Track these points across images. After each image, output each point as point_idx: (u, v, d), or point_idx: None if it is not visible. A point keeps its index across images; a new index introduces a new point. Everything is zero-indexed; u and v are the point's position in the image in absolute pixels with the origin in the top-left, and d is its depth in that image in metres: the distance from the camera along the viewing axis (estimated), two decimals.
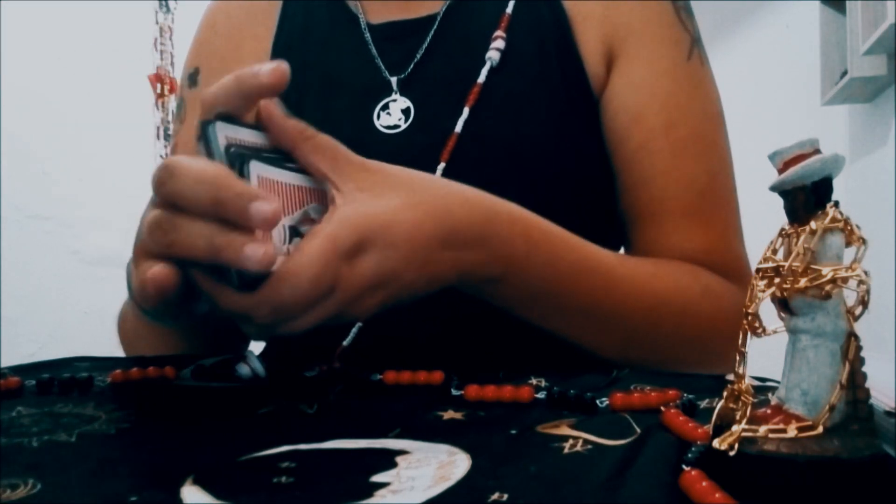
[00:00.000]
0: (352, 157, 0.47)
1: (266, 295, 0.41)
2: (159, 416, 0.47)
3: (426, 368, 0.52)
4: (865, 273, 0.30)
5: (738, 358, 0.32)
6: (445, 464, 0.34)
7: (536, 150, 0.67)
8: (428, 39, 0.71)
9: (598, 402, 0.43)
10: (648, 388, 0.47)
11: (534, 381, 0.49)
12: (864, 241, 0.31)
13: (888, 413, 0.35)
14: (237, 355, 0.56)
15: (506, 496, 0.30)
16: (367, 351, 0.63)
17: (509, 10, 0.70)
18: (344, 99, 0.71)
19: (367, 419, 0.44)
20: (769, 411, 0.31)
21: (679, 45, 0.69)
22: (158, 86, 2.59)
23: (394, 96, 0.70)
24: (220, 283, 0.42)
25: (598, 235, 0.61)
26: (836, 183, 0.31)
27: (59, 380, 0.52)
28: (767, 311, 0.31)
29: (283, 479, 0.33)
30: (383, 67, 0.71)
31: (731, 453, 0.30)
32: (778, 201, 0.32)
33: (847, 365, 0.30)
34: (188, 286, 0.44)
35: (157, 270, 0.41)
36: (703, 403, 0.43)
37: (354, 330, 0.64)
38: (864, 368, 0.31)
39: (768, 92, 2.50)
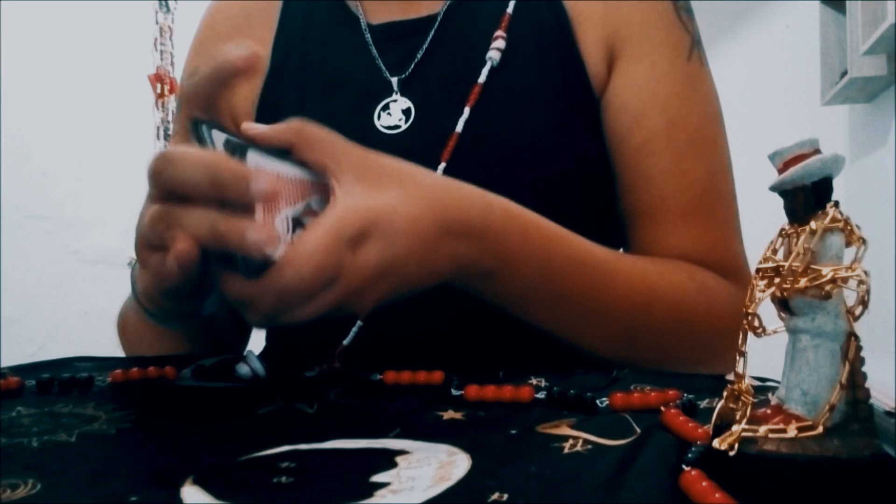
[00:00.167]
0: (350, 147, 0.47)
1: (270, 281, 0.41)
2: (159, 416, 0.47)
3: (426, 368, 0.52)
4: (865, 273, 0.30)
5: (738, 358, 0.32)
6: (445, 464, 0.34)
7: (537, 150, 0.67)
8: (428, 39, 0.71)
9: (598, 402, 0.43)
10: (648, 388, 0.47)
11: (534, 381, 0.49)
12: (864, 241, 0.31)
13: (888, 413, 0.35)
14: (237, 355, 0.56)
15: (506, 496, 0.30)
16: (367, 351, 0.63)
17: (510, 9, 0.70)
18: (344, 99, 0.71)
19: (367, 419, 0.44)
20: (769, 411, 0.31)
21: (679, 45, 0.69)
22: (158, 86, 2.58)
23: (394, 97, 0.70)
24: (226, 271, 0.42)
25: (599, 235, 0.61)
26: (836, 183, 0.31)
27: (59, 380, 0.52)
28: (767, 311, 0.31)
29: (283, 479, 0.33)
30: (384, 68, 0.71)
31: (731, 453, 0.30)
32: (778, 201, 0.32)
33: (847, 365, 0.30)
34: (196, 286, 0.44)
35: (182, 246, 0.41)
36: (703, 403, 0.43)
37: (354, 329, 0.64)
38: (864, 368, 0.31)
39: (768, 92, 2.50)
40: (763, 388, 0.45)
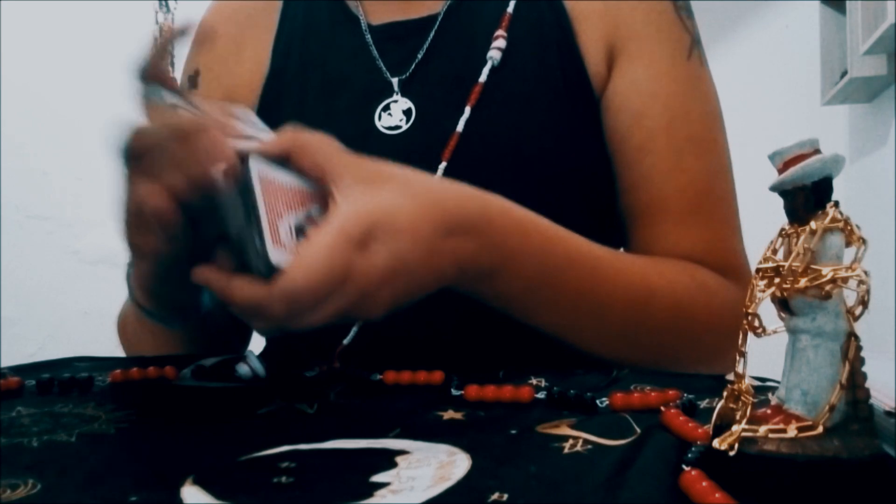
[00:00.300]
0: (345, 153, 0.47)
1: (280, 286, 0.42)
2: (159, 416, 0.47)
3: (426, 368, 0.52)
4: (865, 273, 0.30)
5: (738, 358, 0.32)
6: (445, 464, 0.34)
7: (538, 150, 0.67)
8: (429, 40, 0.71)
9: (598, 402, 0.43)
10: (648, 388, 0.47)
11: (534, 381, 0.49)
12: (864, 241, 0.31)
13: (888, 413, 0.35)
14: (237, 355, 0.56)
15: (506, 496, 0.30)
16: (367, 351, 0.63)
17: (510, 9, 0.70)
18: (345, 100, 0.71)
19: (367, 419, 0.44)
20: (769, 411, 0.31)
21: (679, 45, 0.69)
22: None
23: (395, 97, 0.70)
24: (234, 276, 0.43)
25: (599, 234, 0.61)
26: (836, 183, 0.31)
27: (59, 380, 0.52)
28: (767, 311, 0.31)
29: (283, 479, 0.33)
30: (384, 68, 0.71)
31: (731, 453, 0.30)
32: (778, 201, 0.32)
33: (847, 365, 0.30)
34: (199, 288, 0.44)
35: (158, 200, 0.43)
36: (703, 403, 0.43)
37: (354, 329, 0.64)
38: (864, 368, 0.31)
39: (768, 92, 2.50)
40: (763, 388, 0.45)
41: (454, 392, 0.48)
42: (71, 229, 2.60)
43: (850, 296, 0.31)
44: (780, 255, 0.32)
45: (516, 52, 0.69)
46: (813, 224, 0.31)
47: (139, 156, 0.44)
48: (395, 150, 0.67)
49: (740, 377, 0.31)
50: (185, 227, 0.45)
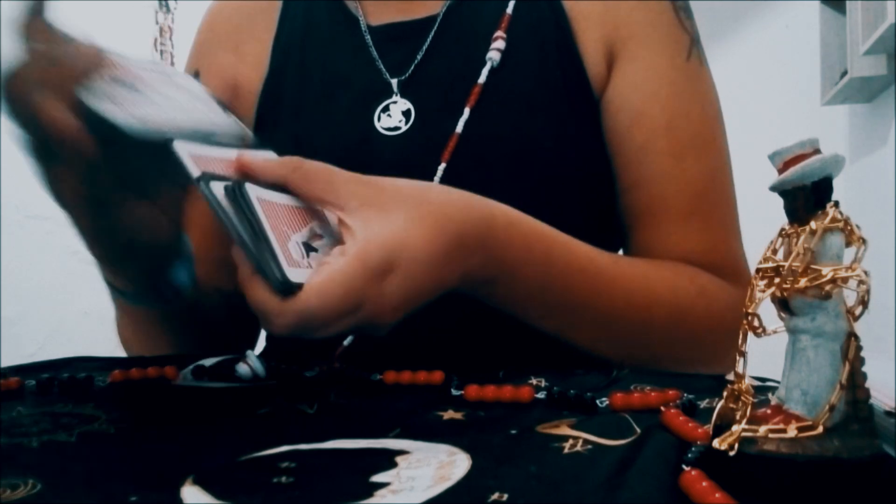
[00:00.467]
0: (346, 175, 0.47)
1: (294, 307, 0.42)
2: (159, 416, 0.47)
3: (426, 368, 0.52)
4: (865, 273, 0.30)
5: (738, 358, 0.32)
6: (445, 464, 0.34)
7: (537, 151, 0.67)
8: (428, 40, 0.71)
9: (598, 402, 0.43)
10: (648, 388, 0.47)
11: (534, 381, 0.49)
12: (864, 241, 0.31)
13: (888, 413, 0.35)
14: (237, 355, 0.56)
15: (506, 496, 0.30)
16: (367, 351, 0.63)
17: (509, 10, 0.70)
18: (344, 101, 0.71)
19: (367, 419, 0.44)
20: (769, 411, 0.31)
21: (679, 45, 0.69)
22: None
23: (394, 98, 0.70)
24: (255, 276, 0.43)
25: (599, 236, 0.61)
26: (836, 183, 0.31)
27: (59, 380, 0.51)
28: (767, 311, 0.31)
29: (283, 479, 0.33)
30: (384, 69, 0.71)
31: (731, 453, 0.30)
32: (778, 201, 0.32)
33: (847, 365, 0.30)
34: (164, 257, 0.44)
35: (51, 107, 0.44)
36: (703, 403, 0.43)
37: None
38: (864, 368, 0.31)
39: (768, 92, 2.50)
40: (763, 388, 0.45)
41: (454, 392, 0.48)
42: (71, 229, 2.60)
43: (850, 296, 0.31)
44: (780, 255, 0.32)
45: (516, 53, 0.69)
46: (813, 224, 0.31)
47: (21, 87, 0.44)
48: (395, 152, 0.67)
49: (740, 377, 0.31)
50: (100, 160, 0.45)
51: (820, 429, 0.30)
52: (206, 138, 0.48)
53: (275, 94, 0.74)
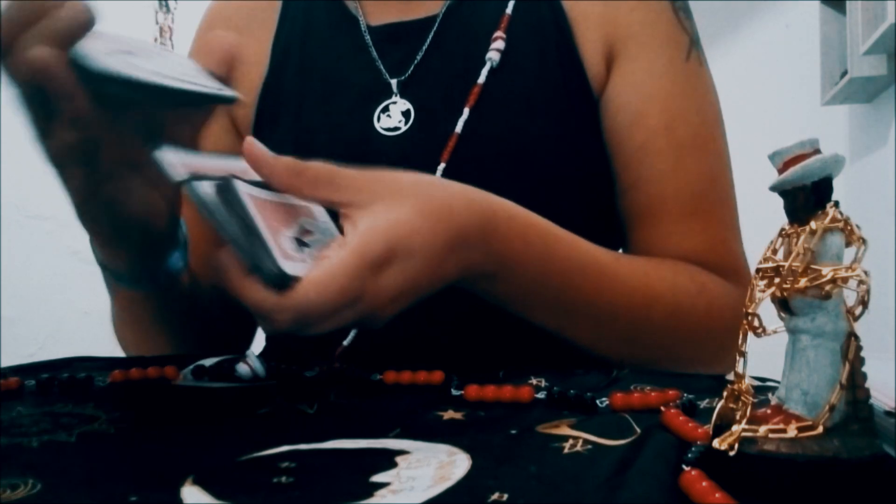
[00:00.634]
0: (349, 172, 0.47)
1: (292, 301, 0.42)
2: (159, 416, 0.47)
3: (426, 368, 0.52)
4: (865, 273, 0.30)
5: (738, 358, 0.32)
6: (445, 464, 0.34)
7: (537, 151, 0.67)
8: (428, 41, 0.71)
9: (598, 402, 0.43)
10: (648, 388, 0.47)
11: (534, 381, 0.49)
12: (864, 241, 0.31)
13: (888, 413, 0.35)
14: (237, 355, 0.56)
15: (506, 496, 0.30)
16: (367, 351, 0.63)
17: (509, 10, 0.70)
18: (344, 101, 0.71)
19: (367, 419, 0.44)
20: (769, 411, 0.31)
21: (678, 46, 0.69)
22: None
23: (394, 98, 0.70)
24: (249, 276, 0.43)
25: (598, 235, 0.61)
26: (836, 183, 0.31)
27: (59, 380, 0.51)
28: (767, 311, 0.31)
29: (283, 479, 0.33)
30: (383, 69, 0.71)
31: (731, 453, 0.30)
32: (778, 201, 0.32)
33: (847, 365, 0.30)
34: (159, 240, 0.45)
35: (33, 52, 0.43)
36: (703, 403, 0.43)
37: (354, 330, 0.64)
38: (864, 368, 0.31)
39: (768, 92, 2.50)
40: (763, 388, 0.45)
41: (454, 392, 0.48)
42: (71, 229, 2.58)
43: (850, 296, 0.31)
44: (780, 255, 0.32)
45: (515, 54, 0.69)
46: (813, 224, 0.31)
47: (13, 33, 0.44)
48: (394, 152, 0.67)
49: (740, 377, 0.31)
50: (93, 117, 0.45)
51: (820, 429, 0.30)
52: (195, 100, 0.49)
53: (274, 95, 0.74)
